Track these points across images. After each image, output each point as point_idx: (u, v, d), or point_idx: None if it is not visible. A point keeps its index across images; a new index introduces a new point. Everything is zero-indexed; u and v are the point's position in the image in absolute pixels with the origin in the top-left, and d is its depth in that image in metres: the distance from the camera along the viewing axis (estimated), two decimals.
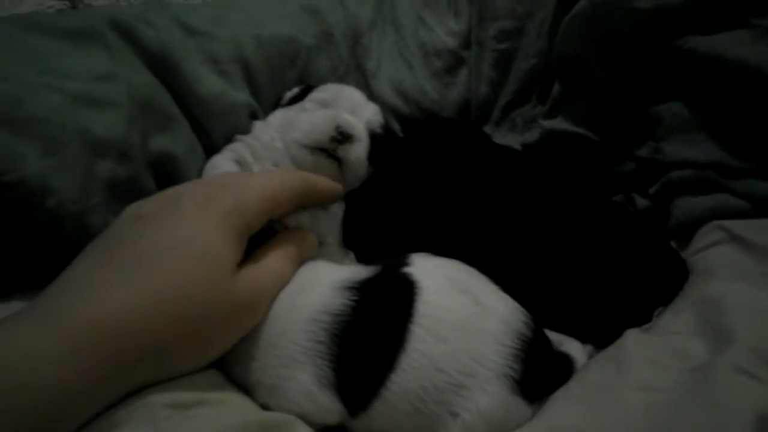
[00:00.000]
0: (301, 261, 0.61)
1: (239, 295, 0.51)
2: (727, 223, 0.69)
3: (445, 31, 0.97)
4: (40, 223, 0.59)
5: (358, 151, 0.71)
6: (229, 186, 0.55)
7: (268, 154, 0.74)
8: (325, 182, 0.66)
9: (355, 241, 0.75)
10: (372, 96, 0.94)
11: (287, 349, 0.54)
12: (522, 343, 0.55)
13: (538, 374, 0.56)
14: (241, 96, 0.81)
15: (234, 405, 0.51)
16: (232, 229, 0.52)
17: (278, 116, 0.79)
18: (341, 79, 0.92)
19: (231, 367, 0.56)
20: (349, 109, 0.74)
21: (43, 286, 0.47)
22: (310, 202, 0.64)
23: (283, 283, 0.57)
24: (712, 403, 0.45)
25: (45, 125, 0.59)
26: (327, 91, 0.78)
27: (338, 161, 0.71)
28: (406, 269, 0.59)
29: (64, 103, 0.61)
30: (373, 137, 0.75)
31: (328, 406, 0.53)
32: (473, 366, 0.53)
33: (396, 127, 0.96)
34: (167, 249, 0.48)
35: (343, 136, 0.69)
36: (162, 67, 0.74)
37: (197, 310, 0.47)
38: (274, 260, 0.57)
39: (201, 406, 0.47)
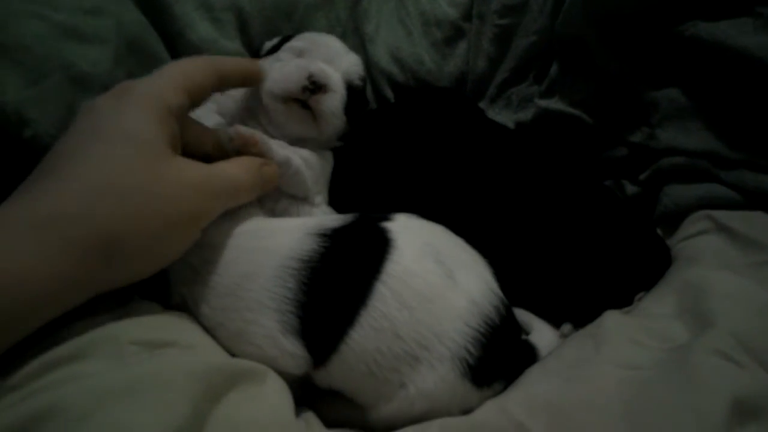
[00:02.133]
0: (260, 182, 0.58)
1: (179, 175, 0.50)
2: (716, 213, 0.68)
3: (447, 1, 0.94)
4: (15, 155, 0.57)
5: (332, 102, 0.68)
6: (141, 79, 0.53)
7: (245, 105, 0.71)
8: (239, 60, 0.65)
9: (341, 203, 0.74)
10: (368, 61, 0.93)
11: (255, 292, 0.53)
12: (487, 328, 0.54)
13: (494, 362, 0.54)
14: (233, 45, 0.79)
15: (205, 349, 0.50)
16: (150, 111, 0.50)
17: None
18: None
19: (197, 307, 0.54)
20: (326, 59, 0.71)
21: None
22: (231, 79, 0.61)
23: (235, 189, 0.55)
24: (689, 383, 0.45)
25: (28, 53, 0.57)
26: (303, 39, 0.74)
27: (312, 112, 0.69)
28: (385, 224, 0.58)
29: (50, 33, 0.59)
30: (351, 89, 0.72)
31: (292, 351, 0.52)
32: (432, 340, 0.52)
33: (389, 93, 0.94)
34: (89, 140, 0.47)
35: (316, 86, 0.66)
36: (153, 7, 0.72)
37: (132, 190, 0.46)
38: (227, 164, 0.56)
39: (171, 346, 0.46)
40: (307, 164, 0.67)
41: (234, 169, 0.55)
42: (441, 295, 0.53)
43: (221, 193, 0.53)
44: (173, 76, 0.54)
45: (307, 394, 0.57)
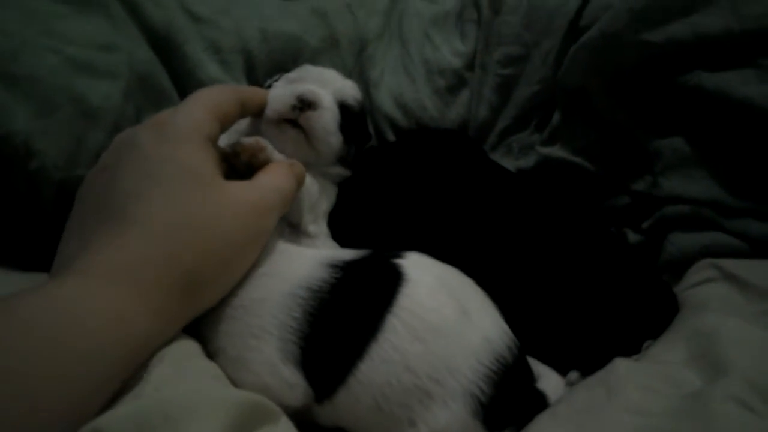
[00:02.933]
0: (296, 182, 0.60)
1: (237, 200, 0.52)
2: (721, 262, 0.68)
3: (450, 50, 0.96)
4: (20, 187, 0.57)
5: (323, 119, 0.69)
6: (171, 112, 0.55)
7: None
8: (256, 89, 0.68)
9: (343, 239, 0.73)
10: (372, 105, 0.94)
11: (261, 318, 0.52)
12: (500, 367, 0.53)
13: (506, 404, 0.53)
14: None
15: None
16: (195, 142, 0.52)
17: None
18: None
19: (202, 330, 0.53)
20: (318, 83, 0.73)
21: (15, 257, 0.45)
22: (250, 108, 0.64)
23: (284, 198, 0.56)
24: (707, 431, 0.43)
25: (40, 85, 0.58)
26: (299, 70, 0.77)
27: (303, 131, 0.69)
28: (397, 260, 0.57)
29: (62, 66, 0.60)
30: (345, 108, 0.73)
31: (290, 381, 0.51)
32: (445, 375, 0.50)
33: (392, 138, 0.95)
34: (148, 181, 0.48)
35: (304, 104, 0.67)
36: (164, 46, 0.73)
37: (202, 225, 0.48)
38: (267, 176, 0.57)
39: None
40: (304, 186, 0.67)
41: (275, 179, 0.57)
42: (455, 330, 0.52)
43: (275, 206, 0.55)
44: (207, 105, 0.55)
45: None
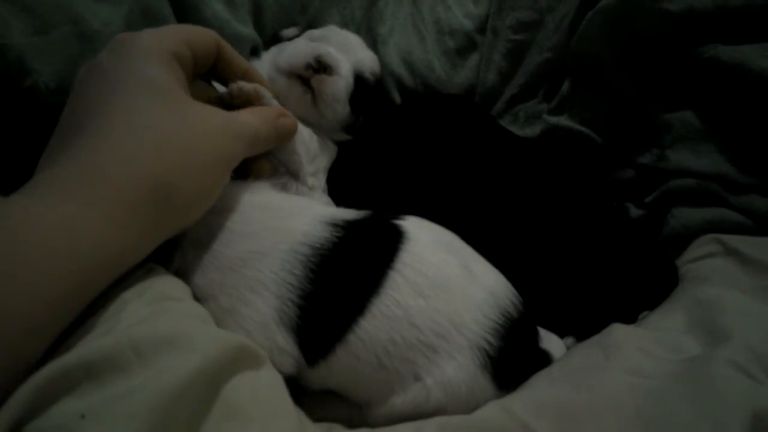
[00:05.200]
0: (275, 132, 0.57)
1: (204, 118, 0.49)
2: (724, 237, 0.67)
3: (462, 11, 0.94)
4: (12, 105, 0.54)
5: (335, 87, 0.67)
6: (139, 32, 0.52)
7: None
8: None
9: (343, 200, 0.72)
10: (378, 62, 0.91)
11: (260, 272, 0.50)
12: (505, 321, 0.52)
13: (514, 358, 0.52)
14: (246, 29, 0.77)
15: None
16: (157, 59, 0.49)
17: (272, 51, 0.75)
18: None
19: (192, 276, 0.51)
20: (340, 47, 0.71)
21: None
22: (227, 61, 0.59)
23: (253, 135, 0.53)
24: (706, 394, 0.43)
25: (38, 1, 0.55)
26: (324, 29, 0.75)
27: (312, 92, 0.67)
28: (398, 220, 0.56)
29: None
30: (360, 80, 0.71)
31: (282, 346, 0.49)
32: (449, 330, 0.50)
33: (397, 97, 0.93)
34: (109, 95, 0.46)
35: (321, 66, 0.66)
36: None
37: (168, 134, 0.46)
38: (243, 112, 0.55)
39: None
40: (301, 138, 0.65)
41: (251, 117, 0.54)
42: (458, 285, 0.51)
43: (243, 137, 0.52)
44: (174, 29, 0.54)
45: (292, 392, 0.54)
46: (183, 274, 0.51)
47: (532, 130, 0.90)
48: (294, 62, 0.66)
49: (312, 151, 0.68)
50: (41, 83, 0.54)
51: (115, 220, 0.40)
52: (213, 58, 0.57)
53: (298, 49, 0.67)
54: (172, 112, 0.47)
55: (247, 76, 0.60)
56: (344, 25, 0.88)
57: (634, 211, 0.80)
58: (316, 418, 0.53)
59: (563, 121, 0.85)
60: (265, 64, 0.72)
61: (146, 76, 0.47)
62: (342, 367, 0.50)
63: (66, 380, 0.35)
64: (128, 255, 0.43)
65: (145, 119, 0.45)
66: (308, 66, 0.66)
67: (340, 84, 0.68)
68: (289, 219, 0.54)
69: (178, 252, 0.52)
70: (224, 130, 0.50)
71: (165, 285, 0.48)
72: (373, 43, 0.91)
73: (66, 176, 0.41)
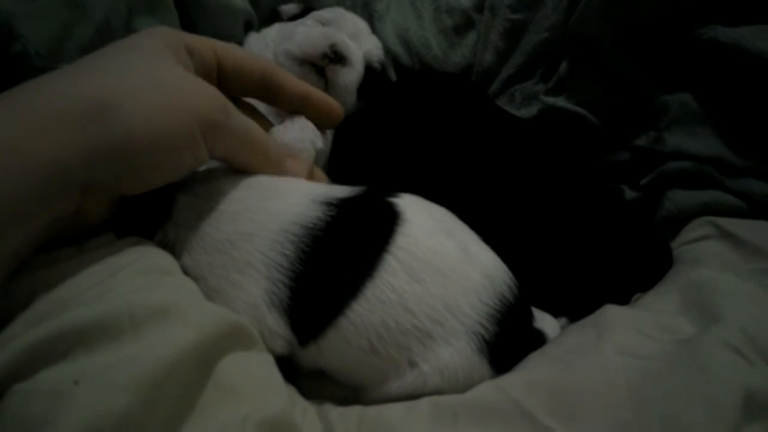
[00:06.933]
0: (276, 164, 0.56)
1: (184, 75, 0.47)
2: (719, 220, 0.67)
3: None
4: (1, 71, 0.53)
5: (348, 77, 0.67)
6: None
7: None
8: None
9: (339, 177, 0.71)
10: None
11: (249, 254, 0.49)
12: (501, 306, 0.51)
13: (510, 342, 0.51)
14: (241, 3, 0.75)
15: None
16: (158, 37, 0.47)
17: (275, 29, 0.74)
18: None
19: (179, 256, 0.50)
20: (350, 34, 0.70)
21: None
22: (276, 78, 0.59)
23: (249, 137, 0.52)
24: (700, 374, 0.43)
25: None
26: (331, 11, 0.74)
27: (325, 81, 0.66)
28: (393, 199, 0.55)
29: None
30: (370, 70, 0.71)
31: (273, 328, 0.48)
32: (445, 315, 0.49)
33: (392, 75, 0.92)
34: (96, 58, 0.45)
35: (337, 56, 0.65)
36: None
37: (127, 66, 0.44)
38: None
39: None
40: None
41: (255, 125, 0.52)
42: (455, 269, 0.50)
43: (229, 120, 0.49)
44: (176, 31, 0.51)
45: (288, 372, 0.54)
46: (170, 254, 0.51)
47: (528, 111, 0.90)
48: (309, 51, 0.65)
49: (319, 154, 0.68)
50: (31, 49, 0.53)
51: (39, 125, 0.38)
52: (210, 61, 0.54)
53: (311, 36, 0.66)
54: (145, 59, 0.45)
55: (308, 101, 0.59)
56: (341, 1, 0.87)
57: (629, 194, 0.80)
58: (311, 398, 0.52)
59: (560, 102, 0.85)
60: (269, 41, 0.71)
61: (137, 40, 0.46)
62: (333, 349, 0.49)
63: (58, 344, 0.34)
64: (56, 171, 0.38)
65: (114, 57, 0.44)
66: (325, 55, 0.65)
67: (353, 75, 0.68)
68: (280, 199, 0.52)
69: (160, 233, 0.51)
70: (208, 94, 0.47)
71: (157, 257, 0.47)
72: (370, 19, 0.90)
73: (19, 103, 0.39)
